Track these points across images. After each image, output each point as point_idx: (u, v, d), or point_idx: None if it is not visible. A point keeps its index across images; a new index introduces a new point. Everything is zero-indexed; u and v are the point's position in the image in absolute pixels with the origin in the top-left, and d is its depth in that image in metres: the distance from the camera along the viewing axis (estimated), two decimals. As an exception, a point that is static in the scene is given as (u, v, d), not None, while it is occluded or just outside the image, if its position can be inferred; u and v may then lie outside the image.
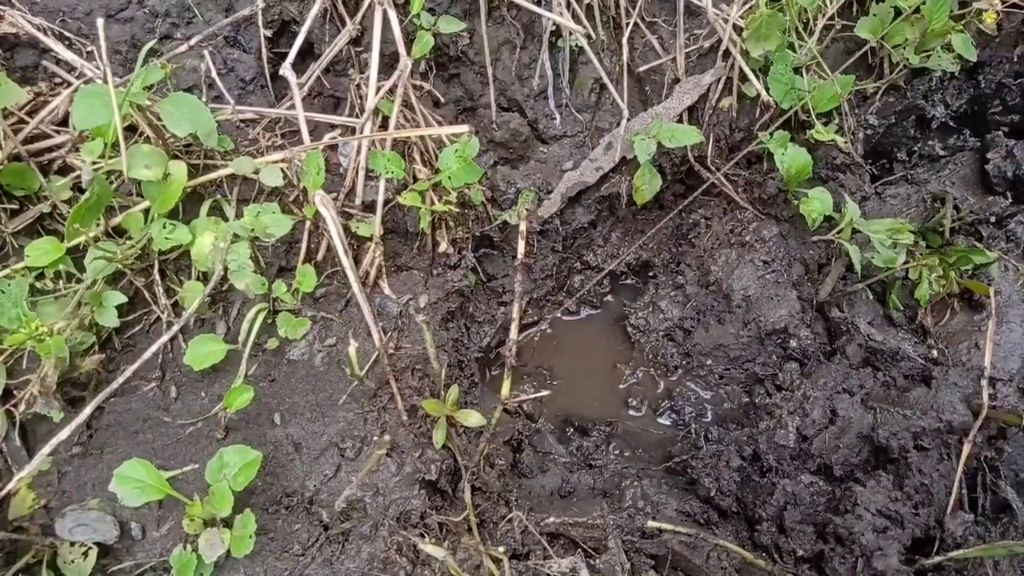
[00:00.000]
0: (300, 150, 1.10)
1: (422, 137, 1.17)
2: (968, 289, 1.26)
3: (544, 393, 1.33)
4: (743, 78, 1.23)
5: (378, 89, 1.14)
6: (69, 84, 1.09)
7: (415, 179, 1.17)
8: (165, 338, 1.05)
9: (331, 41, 1.18)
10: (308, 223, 1.13)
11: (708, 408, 1.34)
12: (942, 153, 1.42)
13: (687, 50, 1.24)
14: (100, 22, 1.03)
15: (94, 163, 1.00)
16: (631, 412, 1.36)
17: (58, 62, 1.10)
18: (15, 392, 1.02)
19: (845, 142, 1.25)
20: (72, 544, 0.94)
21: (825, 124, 1.23)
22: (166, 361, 1.09)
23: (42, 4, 1.11)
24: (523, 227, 1.15)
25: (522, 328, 1.42)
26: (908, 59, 1.20)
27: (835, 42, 1.25)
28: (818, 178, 1.30)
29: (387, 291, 1.18)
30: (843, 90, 1.19)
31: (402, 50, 1.14)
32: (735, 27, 1.19)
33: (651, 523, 1.10)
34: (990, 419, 1.17)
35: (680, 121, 1.25)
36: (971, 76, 1.36)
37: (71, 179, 1.04)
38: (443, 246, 1.22)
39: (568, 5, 1.18)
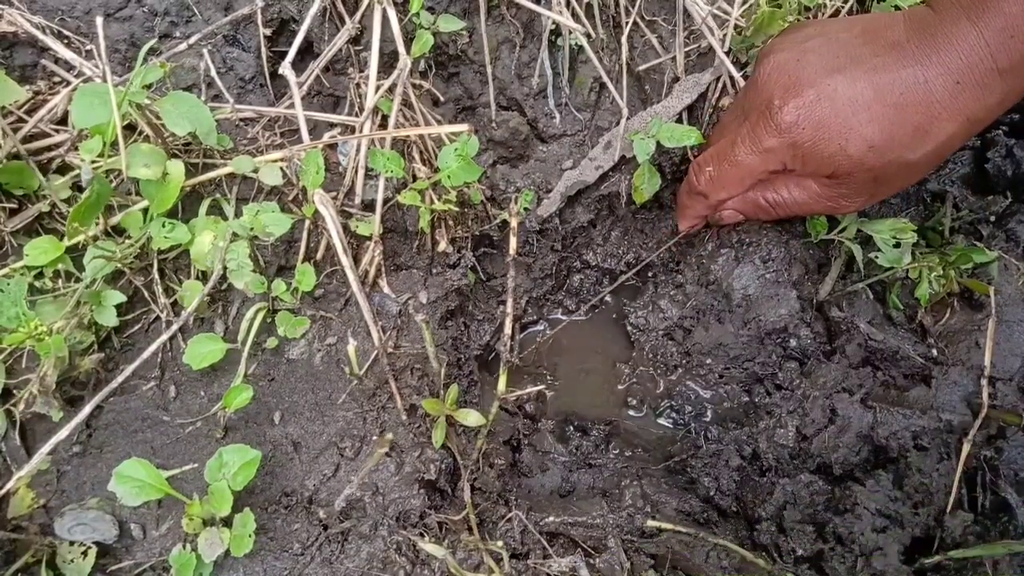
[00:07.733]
0: (299, 149, 1.09)
1: (422, 136, 1.17)
2: (968, 288, 1.26)
3: (542, 387, 1.33)
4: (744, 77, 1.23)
5: (377, 88, 1.14)
6: (68, 83, 1.09)
7: (414, 178, 1.17)
8: (164, 337, 1.05)
9: (330, 40, 1.17)
10: (307, 222, 1.13)
11: (708, 407, 1.34)
12: (942, 152, 1.42)
13: (687, 49, 1.24)
14: (99, 21, 1.03)
15: (93, 162, 1.00)
16: (631, 412, 1.36)
17: (57, 61, 1.10)
18: (14, 391, 1.02)
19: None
20: (71, 543, 0.94)
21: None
22: (165, 360, 1.09)
23: (41, 3, 1.11)
24: (514, 223, 1.15)
25: (523, 327, 1.42)
26: (908, 58, 1.19)
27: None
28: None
29: (386, 290, 1.18)
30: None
31: (401, 49, 1.14)
32: (735, 26, 1.19)
33: (651, 523, 1.10)
34: (990, 419, 1.17)
35: (680, 120, 1.24)
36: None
37: (70, 178, 1.04)
38: (442, 245, 1.22)
39: (568, 4, 1.18)
